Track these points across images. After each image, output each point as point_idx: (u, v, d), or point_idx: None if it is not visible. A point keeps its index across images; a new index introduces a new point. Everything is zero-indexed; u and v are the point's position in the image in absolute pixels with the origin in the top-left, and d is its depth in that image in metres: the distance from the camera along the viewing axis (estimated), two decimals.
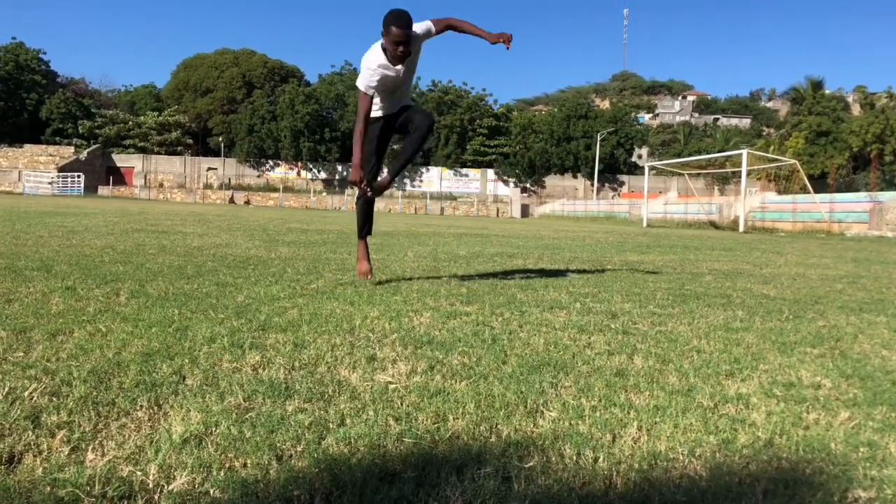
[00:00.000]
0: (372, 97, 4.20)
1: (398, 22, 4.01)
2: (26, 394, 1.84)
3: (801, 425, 1.91)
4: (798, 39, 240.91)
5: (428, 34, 4.28)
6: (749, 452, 1.68)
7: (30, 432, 1.59)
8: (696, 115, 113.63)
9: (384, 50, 4.14)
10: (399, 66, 4.20)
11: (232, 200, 55.42)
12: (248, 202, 55.42)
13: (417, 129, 4.36)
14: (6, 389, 1.87)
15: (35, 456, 1.46)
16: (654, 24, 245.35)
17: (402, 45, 4.04)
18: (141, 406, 1.80)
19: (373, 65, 4.15)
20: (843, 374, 2.51)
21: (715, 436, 1.78)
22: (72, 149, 60.09)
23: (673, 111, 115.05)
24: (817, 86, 59.62)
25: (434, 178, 63.30)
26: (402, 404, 1.93)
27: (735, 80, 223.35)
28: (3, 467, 1.40)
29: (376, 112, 4.40)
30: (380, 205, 52.64)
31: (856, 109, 67.38)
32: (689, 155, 57.68)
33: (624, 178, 63.74)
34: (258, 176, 63.76)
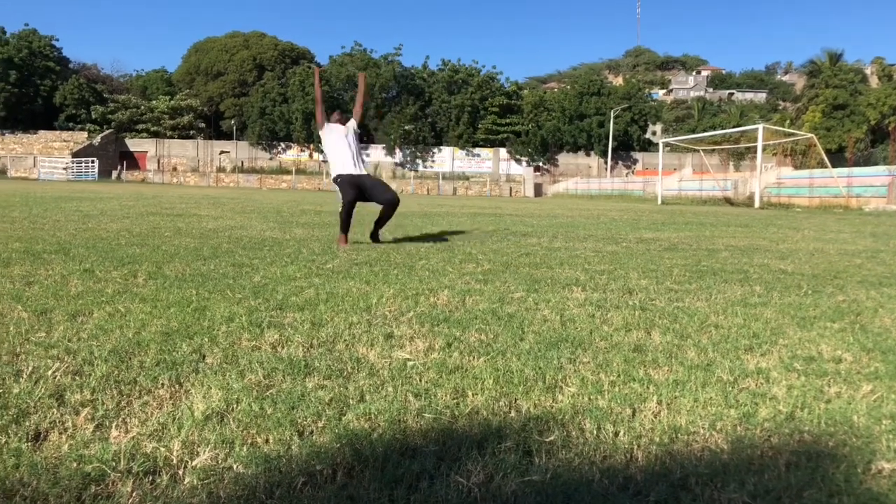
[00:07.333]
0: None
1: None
2: (49, 373, 1.86)
3: (822, 399, 1.89)
4: (815, 11, 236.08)
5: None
6: (770, 426, 1.67)
7: (54, 410, 1.61)
8: (711, 90, 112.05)
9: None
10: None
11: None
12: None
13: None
14: (30, 369, 1.90)
15: (60, 433, 1.48)
16: None
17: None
18: (162, 384, 1.82)
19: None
20: (864, 348, 2.49)
21: (735, 409, 1.77)
22: (85, 134, 60.34)
23: (687, 87, 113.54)
24: (835, 58, 58.50)
25: (446, 159, 63.02)
26: (420, 381, 1.93)
27: (750, 54, 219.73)
28: (29, 444, 1.42)
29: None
30: (391, 186, 52.55)
31: (874, 81, 66.05)
32: (704, 131, 56.92)
33: (638, 155, 63.06)
34: (270, 158, 63.76)
